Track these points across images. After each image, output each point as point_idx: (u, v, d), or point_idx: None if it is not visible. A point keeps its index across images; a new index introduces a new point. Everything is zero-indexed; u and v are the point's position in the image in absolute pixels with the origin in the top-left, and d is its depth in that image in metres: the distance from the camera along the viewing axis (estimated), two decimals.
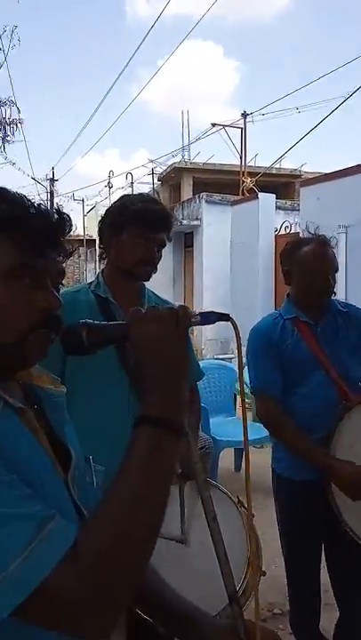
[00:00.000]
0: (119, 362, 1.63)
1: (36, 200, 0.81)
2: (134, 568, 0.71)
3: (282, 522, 2.05)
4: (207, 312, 1.01)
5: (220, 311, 1.02)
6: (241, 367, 1.03)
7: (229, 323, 1.02)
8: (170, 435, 0.75)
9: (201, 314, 1.00)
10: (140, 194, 1.78)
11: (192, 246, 13.03)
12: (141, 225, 1.62)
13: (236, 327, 1.03)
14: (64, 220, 0.82)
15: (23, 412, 0.79)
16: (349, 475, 1.75)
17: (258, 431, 4.31)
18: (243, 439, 0.98)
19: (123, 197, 1.77)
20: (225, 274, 10.63)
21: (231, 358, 8.16)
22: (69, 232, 0.83)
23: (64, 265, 0.87)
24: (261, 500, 3.28)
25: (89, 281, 1.78)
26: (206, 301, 11.16)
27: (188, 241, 13.57)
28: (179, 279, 14.14)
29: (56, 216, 0.80)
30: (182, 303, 2.01)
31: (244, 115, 14.27)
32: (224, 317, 1.02)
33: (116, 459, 1.81)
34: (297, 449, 1.92)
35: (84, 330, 0.84)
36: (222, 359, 7.07)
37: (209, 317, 1.00)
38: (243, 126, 14.26)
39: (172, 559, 1.51)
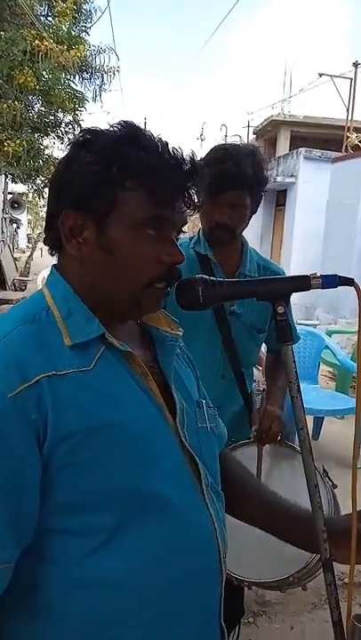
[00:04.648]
0: (216, 322, 1.59)
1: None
2: None
3: None
4: (330, 275, 0.91)
5: (343, 275, 0.92)
6: None
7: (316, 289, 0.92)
8: None
9: (323, 276, 0.90)
10: (211, 150, 1.58)
11: (284, 205, 12.54)
12: (203, 191, 1.52)
13: (360, 294, 0.92)
14: (197, 170, 0.77)
15: (131, 355, 0.77)
16: None
17: (341, 402, 4.18)
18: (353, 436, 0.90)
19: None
20: (317, 236, 10.16)
21: (315, 325, 7.89)
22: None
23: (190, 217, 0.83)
24: (344, 471, 3.19)
25: (189, 236, 1.71)
26: (294, 264, 10.78)
27: (280, 199, 13.06)
28: (266, 239, 13.74)
29: (189, 165, 0.75)
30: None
31: (356, 64, 13.24)
32: (348, 282, 0.92)
33: None
34: None
35: (200, 285, 0.82)
36: (306, 325, 6.86)
37: (331, 281, 0.90)
38: (353, 77, 13.25)
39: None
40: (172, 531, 0.74)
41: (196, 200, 0.78)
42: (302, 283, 0.91)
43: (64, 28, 10.27)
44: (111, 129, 0.76)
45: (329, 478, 1.55)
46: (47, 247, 0.82)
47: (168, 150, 0.74)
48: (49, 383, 0.68)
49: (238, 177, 1.49)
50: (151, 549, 0.73)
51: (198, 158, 0.79)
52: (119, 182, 0.72)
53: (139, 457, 0.73)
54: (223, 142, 1.85)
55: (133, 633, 0.72)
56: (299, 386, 1.00)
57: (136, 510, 0.72)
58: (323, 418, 4.29)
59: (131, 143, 0.73)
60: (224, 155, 1.51)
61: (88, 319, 0.74)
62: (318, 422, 4.33)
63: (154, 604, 0.73)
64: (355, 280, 0.92)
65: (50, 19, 10.64)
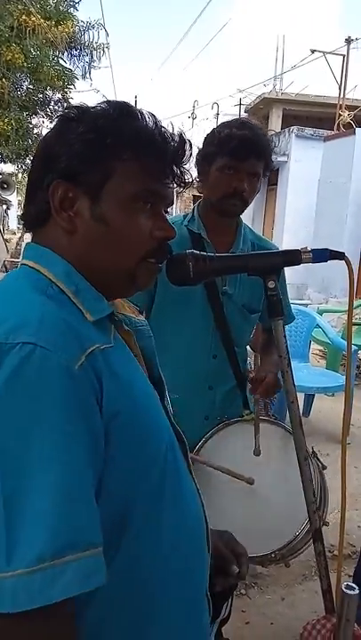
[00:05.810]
0: (207, 300, 1.58)
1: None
2: None
3: None
4: (320, 249, 0.92)
5: (334, 249, 0.93)
6: (351, 313, 0.94)
7: (306, 265, 0.93)
8: None
9: (313, 250, 0.91)
10: (235, 119, 1.61)
11: (276, 184, 12.47)
12: (226, 154, 1.48)
13: (350, 268, 0.93)
14: (189, 147, 0.77)
15: (130, 335, 0.78)
16: None
17: (331, 379, 4.22)
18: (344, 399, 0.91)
19: (218, 125, 1.63)
20: (309, 215, 10.13)
21: (307, 304, 7.92)
22: (189, 161, 0.79)
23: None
24: (334, 447, 3.23)
25: (183, 214, 1.70)
26: (286, 244, 10.77)
27: (272, 178, 12.96)
28: (258, 218, 13.68)
29: (180, 141, 0.76)
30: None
31: (348, 41, 13.05)
32: (338, 256, 0.93)
33: (193, 392, 1.76)
34: None
35: (191, 260, 0.82)
36: (297, 304, 6.88)
37: (322, 255, 0.91)
38: (345, 53, 13.07)
39: (241, 497, 1.53)
40: (182, 505, 0.76)
41: (185, 177, 0.78)
42: (293, 257, 0.92)
43: (51, 2, 10.02)
44: (99, 106, 0.75)
45: (318, 459, 1.57)
46: (24, 223, 0.78)
47: (160, 125, 0.75)
48: (102, 355, 0.65)
49: (266, 146, 1.51)
50: (173, 526, 0.74)
51: (190, 136, 0.79)
52: (115, 152, 0.71)
53: (159, 432, 0.74)
54: (215, 121, 1.86)
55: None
56: (289, 361, 1.02)
57: (164, 484, 0.73)
58: (313, 395, 4.34)
59: (124, 115, 0.72)
60: (242, 124, 1.52)
61: (95, 297, 0.73)
62: (309, 399, 4.38)
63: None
64: (345, 254, 0.93)
65: None
